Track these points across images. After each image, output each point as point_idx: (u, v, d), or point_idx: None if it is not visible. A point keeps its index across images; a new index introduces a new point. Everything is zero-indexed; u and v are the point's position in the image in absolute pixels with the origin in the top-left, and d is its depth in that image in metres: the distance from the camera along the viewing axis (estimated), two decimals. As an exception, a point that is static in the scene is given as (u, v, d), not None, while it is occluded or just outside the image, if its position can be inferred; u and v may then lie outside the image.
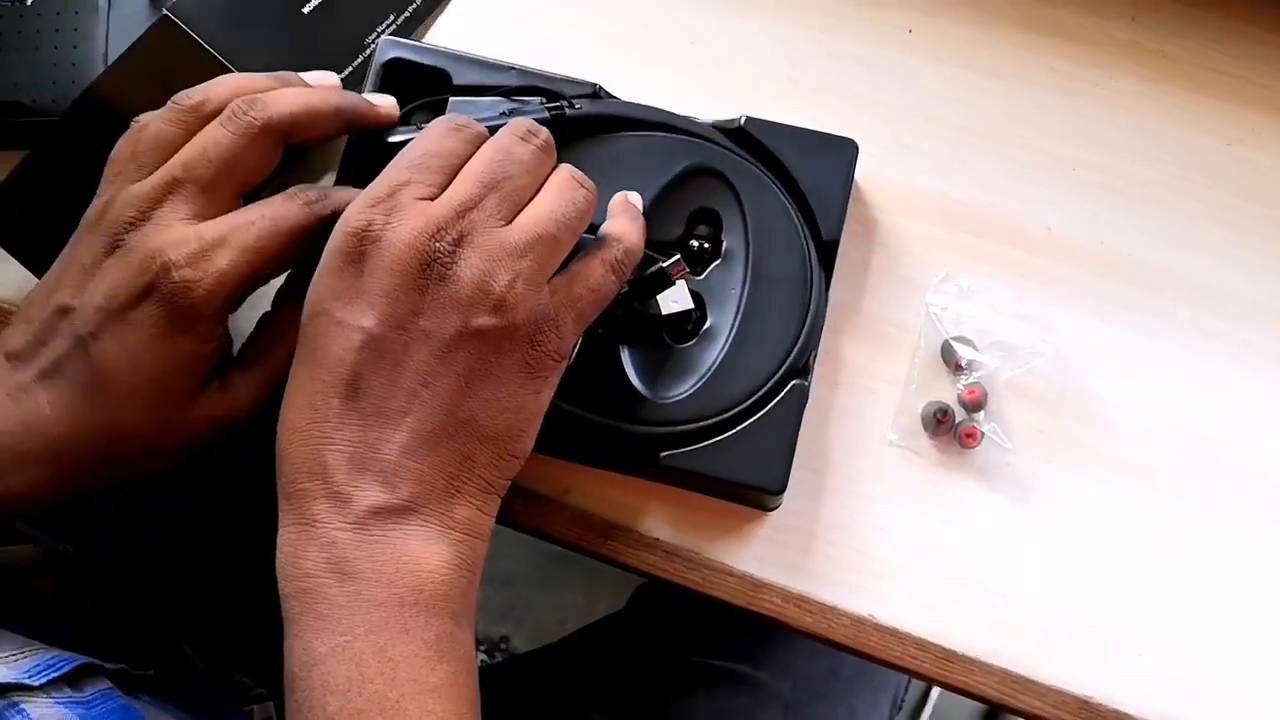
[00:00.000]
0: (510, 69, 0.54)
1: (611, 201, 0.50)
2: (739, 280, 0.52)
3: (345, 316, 0.42)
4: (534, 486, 0.53)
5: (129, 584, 0.60)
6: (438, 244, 0.42)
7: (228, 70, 0.54)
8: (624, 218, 0.49)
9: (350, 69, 0.57)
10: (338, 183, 0.54)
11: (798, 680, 0.70)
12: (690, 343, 0.52)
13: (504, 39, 0.59)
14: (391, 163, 0.45)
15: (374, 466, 0.42)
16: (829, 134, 0.54)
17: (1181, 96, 0.58)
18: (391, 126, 0.51)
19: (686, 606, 0.59)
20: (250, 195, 0.48)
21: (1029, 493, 0.53)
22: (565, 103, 0.52)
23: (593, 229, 0.48)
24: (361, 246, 0.42)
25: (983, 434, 0.52)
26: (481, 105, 0.52)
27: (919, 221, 0.56)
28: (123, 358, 0.44)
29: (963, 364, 0.53)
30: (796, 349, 0.51)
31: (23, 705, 0.42)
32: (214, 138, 0.46)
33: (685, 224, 0.53)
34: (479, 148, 0.45)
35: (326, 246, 0.44)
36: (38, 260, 0.55)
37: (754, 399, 0.50)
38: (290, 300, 0.48)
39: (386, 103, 0.51)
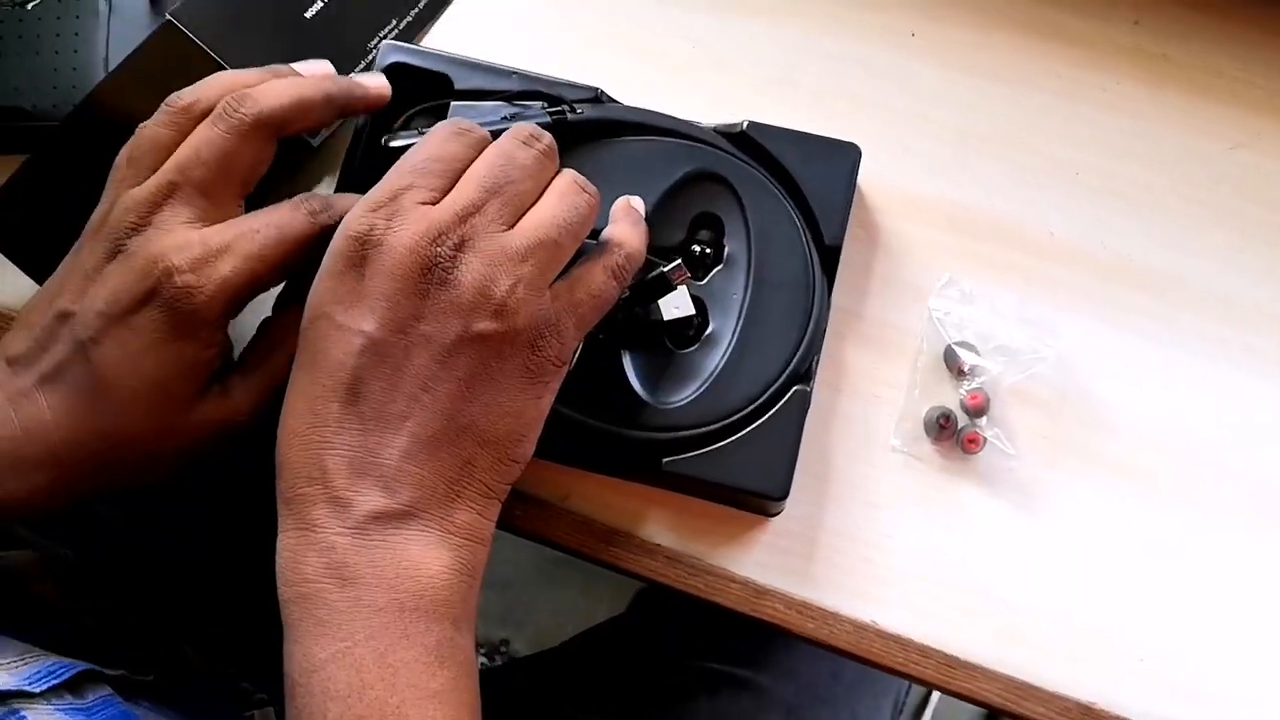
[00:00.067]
0: (512, 73, 0.54)
1: (613, 206, 0.50)
2: (741, 285, 0.52)
3: (346, 320, 0.42)
4: (535, 492, 0.53)
5: (130, 588, 0.60)
6: (439, 249, 0.42)
7: (229, 75, 0.54)
8: (626, 223, 0.49)
9: (352, 74, 0.57)
10: (339, 187, 0.54)
11: (800, 684, 0.70)
12: (692, 348, 0.52)
13: (505, 43, 0.59)
14: (394, 167, 0.45)
15: (374, 471, 0.42)
16: (831, 138, 0.54)
17: (1184, 100, 0.58)
18: (383, 105, 0.51)
19: (687, 611, 0.59)
20: (251, 197, 0.48)
21: (1032, 498, 0.52)
22: (567, 107, 0.52)
23: (594, 234, 0.48)
24: (363, 251, 0.42)
25: (985, 439, 0.52)
26: (483, 110, 0.52)
27: (921, 226, 0.56)
28: (124, 362, 0.44)
29: (965, 369, 0.53)
30: (799, 354, 0.51)
31: (24, 712, 0.41)
32: (206, 138, 0.46)
33: (687, 229, 0.53)
34: (481, 152, 0.45)
35: (328, 250, 0.44)
36: (38, 266, 0.55)
37: (756, 404, 0.50)
38: (291, 305, 0.48)
39: (376, 82, 0.51)
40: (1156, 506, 0.52)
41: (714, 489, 0.51)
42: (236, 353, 0.49)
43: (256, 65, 0.50)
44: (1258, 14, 0.59)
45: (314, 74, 0.50)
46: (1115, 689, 0.50)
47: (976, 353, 0.53)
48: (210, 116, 0.46)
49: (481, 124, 0.47)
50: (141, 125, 0.47)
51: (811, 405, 0.51)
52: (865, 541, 0.52)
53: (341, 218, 0.45)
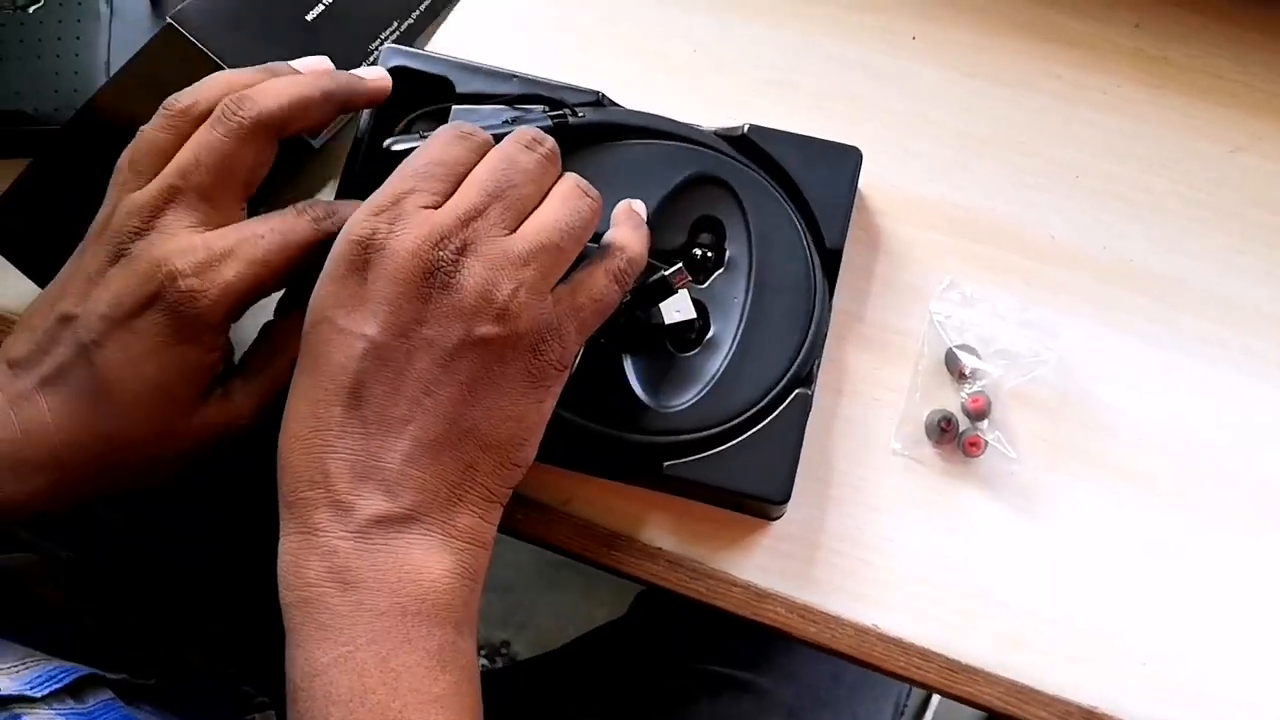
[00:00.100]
0: (513, 77, 0.54)
1: (615, 210, 0.50)
2: (742, 289, 0.52)
3: (348, 324, 0.42)
4: (536, 496, 0.53)
5: (131, 591, 0.60)
6: (441, 253, 0.42)
7: (230, 78, 0.54)
8: (627, 226, 0.49)
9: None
10: (340, 190, 0.54)
11: (801, 687, 0.70)
12: (693, 351, 0.52)
13: (506, 46, 0.59)
14: (396, 170, 0.45)
15: (376, 475, 0.42)
16: (832, 141, 0.54)
17: (1185, 103, 0.58)
18: (383, 98, 0.51)
19: (688, 614, 0.59)
20: (253, 199, 0.48)
21: (1033, 501, 0.52)
22: (568, 111, 0.52)
23: (596, 237, 0.48)
24: (365, 255, 0.42)
25: (987, 443, 0.52)
26: (484, 114, 0.52)
27: (923, 229, 0.56)
28: (126, 365, 0.44)
29: (966, 372, 0.53)
30: (800, 358, 0.51)
31: (25, 718, 0.41)
32: (206, 142, 0.46)
33: (688, 232, 0.53)
34: (484, 156, 0.45)
35: (330, 254, 0.43)
36: (39, 269, 0.55)
37: (757, 408, 0.50)
38: (292, 309, 0.48)
39: (376, 76, 0.51)
40: (1157, 509, 0.52)
41: (715, 493, 0.51)
42: (237, 356, 0.49)
43: (257, 67, 0.50)
44: (1258, 17, 0.59)
45: (312, 71, 0.50)
46: (1117, 692, 0.50)
47: (977, 356, 0.53)
48: (209, 120, 0.46)
49: (483, 127, 0.47)
50: (142, 129, 0.47)
51: (813, 408, 0.51)
52: (866, 545, 0.52)
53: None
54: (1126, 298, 0.55)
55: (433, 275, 0.42)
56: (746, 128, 0.54)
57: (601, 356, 0.51)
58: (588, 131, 0.53)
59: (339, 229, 0.45)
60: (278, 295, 0.49)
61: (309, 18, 0.57)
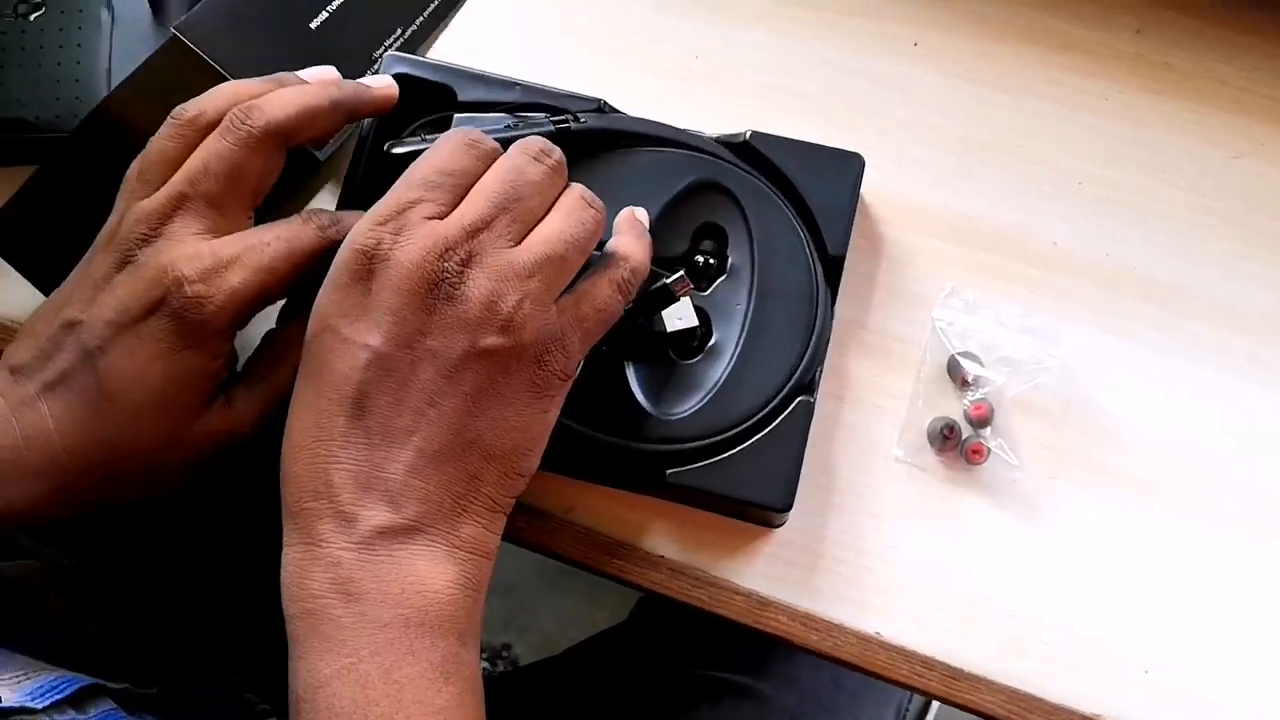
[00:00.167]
0: (515, 85, 0.54)
1: (618, 218, 0.50)
2: (744, 296, 0.52)
3: (351, 334, 0.42)
4: (538, 504, 0.53)
5: (134, 598, 0.60)
6: (446, 264, 0.42)
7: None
8: (630, 235, 0.49)
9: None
10: (342, 195, 0.54)
11: (802, 692, 0.70)
12: (695, 359, 0.52)
13: (508, 54, 0.59)
14: (402, 178, 0.45)
15: (380, 486, 0.42)
16: (835, 148, 0.54)
17: (1187, 109, 0.58)
18: (389, 106, 0.51)
19: (690, 620, 0.59)
20: (259, 210, 0.48)
21: (1035, 509, 0.52)
22: (570, 118, 0.52)
23: (599, 244, 0.48)
24: (369, 265, 0.42)
25: (989, 450, 0.52)
26: (486, 122, 0.52)
27: (925, 236, 0.56)
28: (130, 371, 0.44)
29: (969, 379, 0.53)
30: (802, 365, 0.51)
31: (27, 729, 0.42)
32: (215, 150, 0.46)
33: (690, 239, 0.53)
34: (491, 164, 0.45)
35: (334, 262, 0.43)
36: (43, 277, 0.55)
37: (760, 416, 0.50)
38: (295, 317, 0.48)
39: (383, 84, 0.51)
40: (1160, 516, 0.52)
41: (718, 501, 0.51)
42: (240, 365, 0.48)
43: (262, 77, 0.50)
44: (1260, 22, 0.59)
45: (319, 80, 0.50)
46: (1120, 700, 0.50)
47: (980, 363, 0.53)
48: (218, 129, 0.46)
49: (485, 133, 0.47)
50: (152, 138, 0.47)
51: (815, 416, 0.51)
52: (868, 553, 0.52)
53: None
54: (1129, 305, 0.55)
55: (437, 286, 0.42)
56: (748, 134, 0.54)
57: (603, 364, 0.51)
58: (590, 138, 0.53)
59: (344, 237, 0.45)
60: (281, 303, 0.49)
61: (312, 26, 0.57)
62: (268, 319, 0.49)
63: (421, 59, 0.55)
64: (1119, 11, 0.59)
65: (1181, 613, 0.51)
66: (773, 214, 0.53)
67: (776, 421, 0.50)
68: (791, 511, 0.51)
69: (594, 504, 0.53)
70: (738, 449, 0.50)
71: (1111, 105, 0.58)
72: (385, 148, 0.50)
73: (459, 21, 0.60)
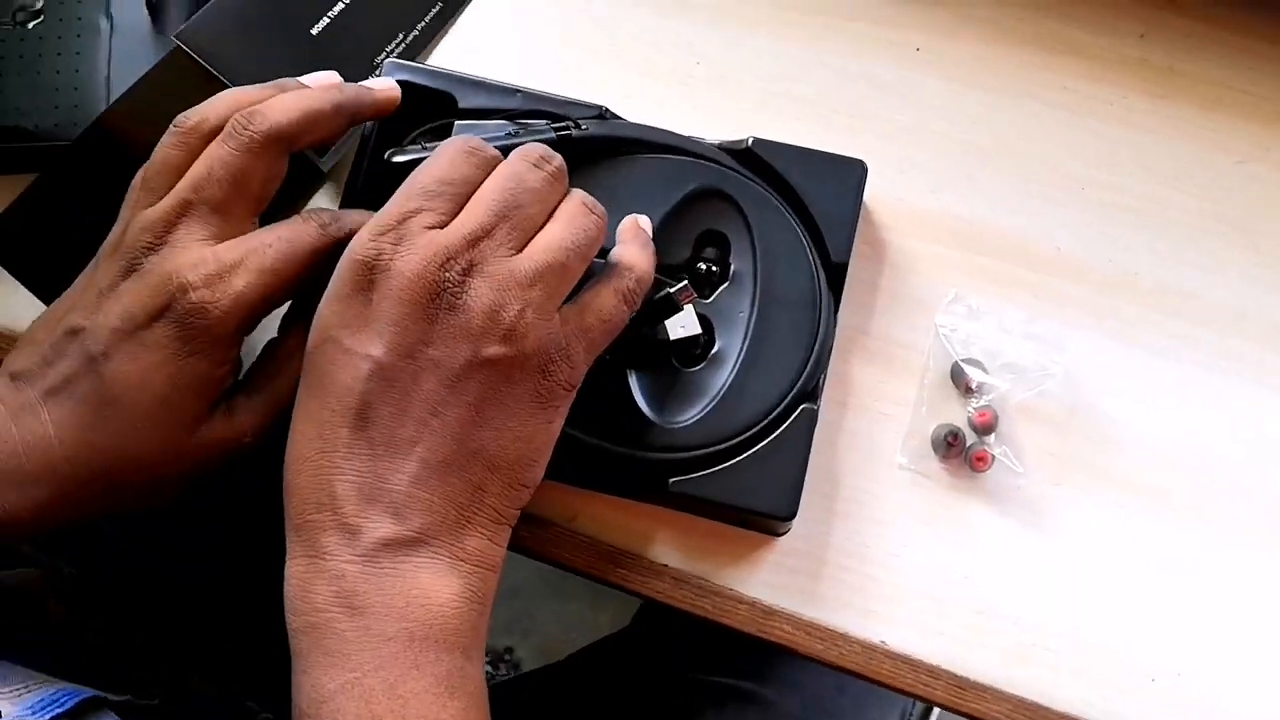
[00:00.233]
0: (516, 91, 0.53)
1: (621, 226, 0.50)
2: (747, 303, 0.52)
3: (353, 344, 0.42)
4: (541, 512, 0.53)
5: (136, 608, 0.60)
6: (447, 274, 0.42)
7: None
8: (634, 244, 0.48)
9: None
10: (342, 202, 0.54)
11: (806, 697, 0.70)
12: (698, 366, 0.51)
13: (509, 60, 0.59)
14: (402, 187, 0.44)
15: (384, 498, 0.41)
16: (837, 155, 0.53)
17: (1191, 114, 0.58)
18: (392, 108, 0.51)
19: (693, 626, 0.59)
20: (262, 218, 0.48)
21: (1040, 516, 0.52)
22: (571, 124, 0.52)
23: (602, 252, 0.47)
24: (370, 275, 0.42)
25: (994, 457, 0.52)
26: (487, 129, 0.52)
27: (928, 241, 0.56)
28: (134, 376, 0.44)
29: (973, 386, 0.53)
30: (805, 372, 0.51)
31: (27, 744, 0.41)
32: (218, 156, 0.46)
33: (693, 246, 0.53)
34: (491, 172, 0.45)
35: (335, 272, 0.43)
36: (43, 285, 0.55)
37: (763, 424, 0.50)
38: (296, 327, 0.48)
39: (383, 85, 0.51)
40: (1167, 523, 0.52)
41: (721, 509, 0.51)
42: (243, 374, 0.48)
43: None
44: (1266, 27, 0.58)
45: (321, 84, 0.50)
46: (1127, 709, 0.50)
47: (984, 369, 0.53)
48: (221, 135, 0.46)
49: (485, 140, 0.47)
50: (156, 147, 0.47)
51: (818, 423, 0.51)
52: (873, 560, 0.52)
53: (352, 230, 0.45)
54: (1133, 310, 0.55)
55: (439, 296, 0.42)
56: (750, 141, 0.54)
57: (606, 372, 0.50)
58: (591, 145, 0.52)
59: (345, 235, 0.45)
60: (280, 313, 0.49)
61: (314, 32, 0.57)
62: (269, 329, 0.49)
63: (422, 66, 0.54)
64: (1123, 16, 0.59)
65: (1190, 621, 0.51)
66: (775, 221, 0.53)
67: (780, 429, 0.50)
68: (795, 519, 0.50)
69: (597, 512, 0.53)
70: (741, 457, 0.50)
71: (1116, 110, 0.58)
72: (386, 156, 0.50)
73: (460, 27, 0.60)
